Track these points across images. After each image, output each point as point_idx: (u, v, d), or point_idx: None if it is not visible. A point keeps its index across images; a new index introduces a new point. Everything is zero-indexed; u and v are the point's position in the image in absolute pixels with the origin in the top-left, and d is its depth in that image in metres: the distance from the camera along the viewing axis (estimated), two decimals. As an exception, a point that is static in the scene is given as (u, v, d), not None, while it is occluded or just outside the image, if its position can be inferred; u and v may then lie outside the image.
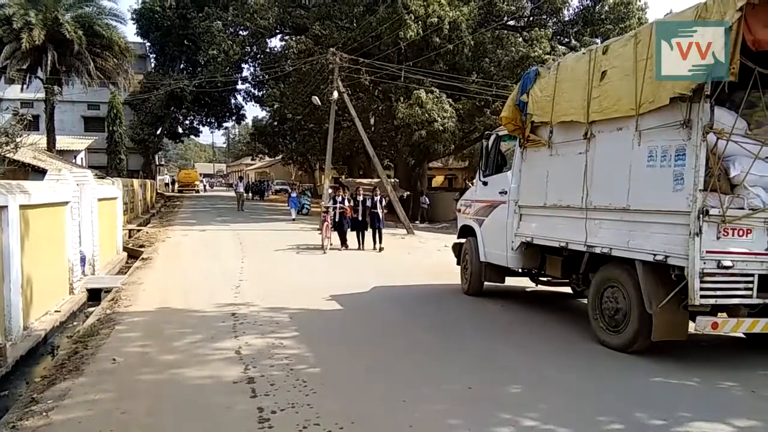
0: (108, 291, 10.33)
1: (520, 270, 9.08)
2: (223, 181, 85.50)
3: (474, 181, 10.66)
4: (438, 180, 46.34)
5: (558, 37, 27.74)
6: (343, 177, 36.94)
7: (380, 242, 15.88)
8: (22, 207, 7.52)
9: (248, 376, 5.56)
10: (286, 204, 30.85)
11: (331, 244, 15.74)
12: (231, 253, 14.81)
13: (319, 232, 16.24)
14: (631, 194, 6.31)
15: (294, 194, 28.94)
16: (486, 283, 9.84)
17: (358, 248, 16.11)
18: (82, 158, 40.48)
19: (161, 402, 5.04)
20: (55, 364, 6.33)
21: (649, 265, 6.08)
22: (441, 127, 23.56)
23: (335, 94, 23.19)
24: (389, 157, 33.38)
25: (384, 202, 16.89)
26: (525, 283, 10.04)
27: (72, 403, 4.96)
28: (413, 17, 23.11)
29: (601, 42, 25.55)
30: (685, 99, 5.60)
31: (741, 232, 5.65)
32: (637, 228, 6.27)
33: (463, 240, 10.39)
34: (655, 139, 6.04)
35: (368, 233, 16.27)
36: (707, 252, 5.49)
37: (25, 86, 32.65)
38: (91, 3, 32.90)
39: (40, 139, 25.53)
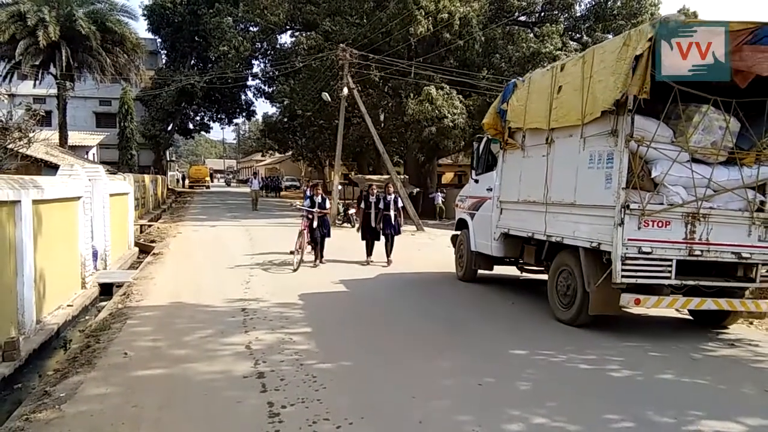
0: (120, 285, 10.41)
1: (506, 259, 10.10)
2: (232, 177, 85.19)
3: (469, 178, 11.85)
4: (448, 177, 46.23)
5: (569, 32, 27.56)
6: (353, 173, 36.94)
7: (390, 253, 12.96)
8: (35, 202, 7.59)
9: (258, 371, 5.59)
10: (301, 202, 29.85)
11: (317, 261, 12.49)
12: (241, 249, 14.86)
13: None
14: (577, 191, 7.39)
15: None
16: (480, 271, 10.91)
17: (366, 261, 12.99)
18: (93, 154, 40.79)
19: (172, 396, 5.07)
20: (68, 358, 6.38)
21: (588, 251, 7.15)
22: (451, 124, 23.51)
23: (345, 91, 23.19)
24: (399, 153, 33.34)
25: (400, 203, 13.42)
26: (518, 271, 10.71)
27: (84, 397, 5.01)
28: (423, 13, 23.05)
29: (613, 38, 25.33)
30: (613, 112, 6.56)
31: (660, 224, 6.64)
32: (581, 220, 7.31)
33: (459, 232, 11.55)
34: (594, 145, 7.07)
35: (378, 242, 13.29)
36: (629, 239, 6.52)
37: (37, 82, 32.90)
38: (102, -1, 33.12)
39: (52, 134, 25.72)
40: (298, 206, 13.10)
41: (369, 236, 13.19)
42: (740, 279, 7.08)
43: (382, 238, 13.04)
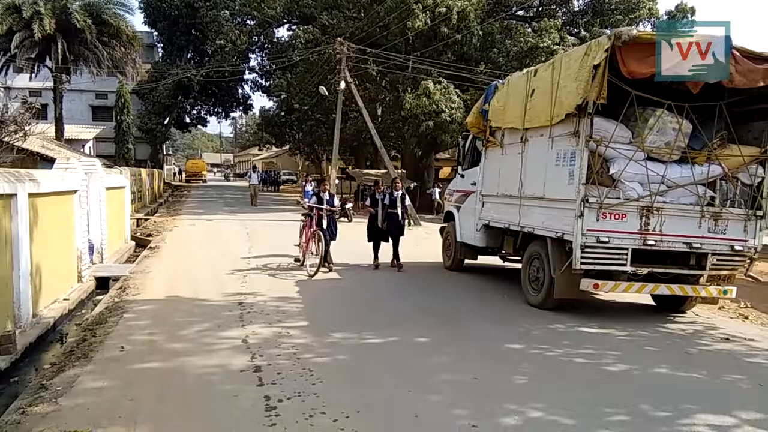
0: (116, 279, 10.39)
1: (489, 249, 10.67)
2: (230, 172, 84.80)
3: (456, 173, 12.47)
4: (445, 171, 46.02)
5: (567, 27, 27.50)
6: (350, 167, 36.91)
7: (398, 257, 11.66)
8: (31, 195, 7.56)
9: (255, 365, 5.60)
10: (299, 196, 28.63)
11: (326, 266, 10.89)
12: (238, 244, 14.84)
13: (298, 244, 11.70)
14: (546, 186, 8.05)
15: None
16: (468, 261, 11.54)
17: (372, 265, 11.66)
18: (90, 147, 40.63)
19: (169, 390, 5.08)
20: (64, 352, 6.38)
21: (554, 241, 7.83)
22: (448, 118, 23.48)
23: (342, 85, 23.16)
24: (396, 147, 33.28)
25: (407, 200, 11.96)
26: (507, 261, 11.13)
27: (80, 390, 5.01)
28: (421, 7, 22.99)
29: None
30: (575, 115, 7.20)
31: (617, 216, 7.29)
32: (548, 212, 7.98)
33: (446, 224, 12.12)
34: (560, 145, 7.73)
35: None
36: (588, 230, 7.17)
37: (33, 75, 32.75)
38: (99, -8, 32.92)
39: (48, 127, 25.63)
40: (304, 204, 11.81)
41: (376, 237, 11.81)
42: (693, 267, 7.67)
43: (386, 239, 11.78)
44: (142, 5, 42.15)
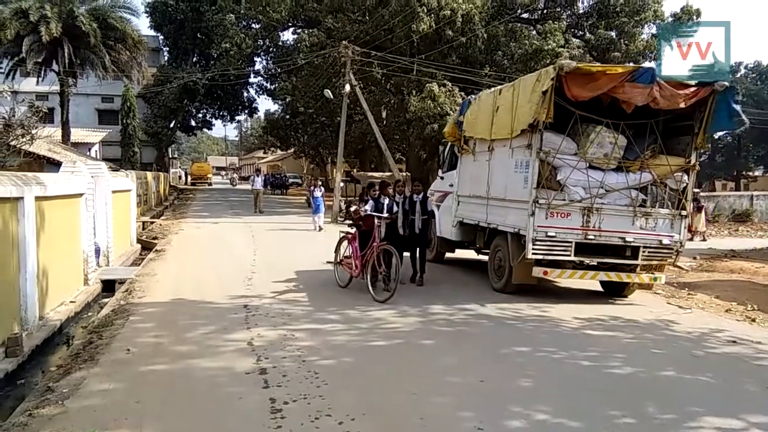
0: (122, 282, 10.41)
1: (464, 243, 11.66)
2: (236, 177, 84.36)
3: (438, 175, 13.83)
4: (450, 174, 46.01)
5: (572, 30, 27.43)
6: (355, 170, 36.95)
7: (421, 269, 10.10)
8: (38, 199, 7.60)
9: (260, 368, 5.60)
10: (304, 202, 27.72)
11: (384, 284, 9.08)
12: (244, 247, 14.85)
13: (332, 262, 10.08)
14: (507, 190, 9.29)
15: (319, 194, 19.26)
16: (449, 254, 12.76)
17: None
18: (96, 151, 40.81)
19: (174, 392, 5.09)
20: (71, 354, 6.40)
21: (513, 235, 9.08)
22: (453, 121, 23.48)
23: (347, 88, 23.18)
24: (401, 150, 33.30)
25: (430, 206, 10.48)
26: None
27: (87, 392, 5.03)
28: (426, 10, 23.00)
29: (616, 35, 25.35)
30: (529, 130, 8.47)
31: (563, 215, 8.57)
32: (509, 212, 9.22)
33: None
34: (518, 155, 9.01)
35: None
36: (538, 226, 8.44)
37: (40, 79, 32.93)
38: (105, -4, 33.10)
39: (55, 131, 25.78)
40: (361, 211, 9.52)
41: (398, 248, 9.41)
42: (628, 258, 8.92)
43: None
44: (147, 9, 42.43)
